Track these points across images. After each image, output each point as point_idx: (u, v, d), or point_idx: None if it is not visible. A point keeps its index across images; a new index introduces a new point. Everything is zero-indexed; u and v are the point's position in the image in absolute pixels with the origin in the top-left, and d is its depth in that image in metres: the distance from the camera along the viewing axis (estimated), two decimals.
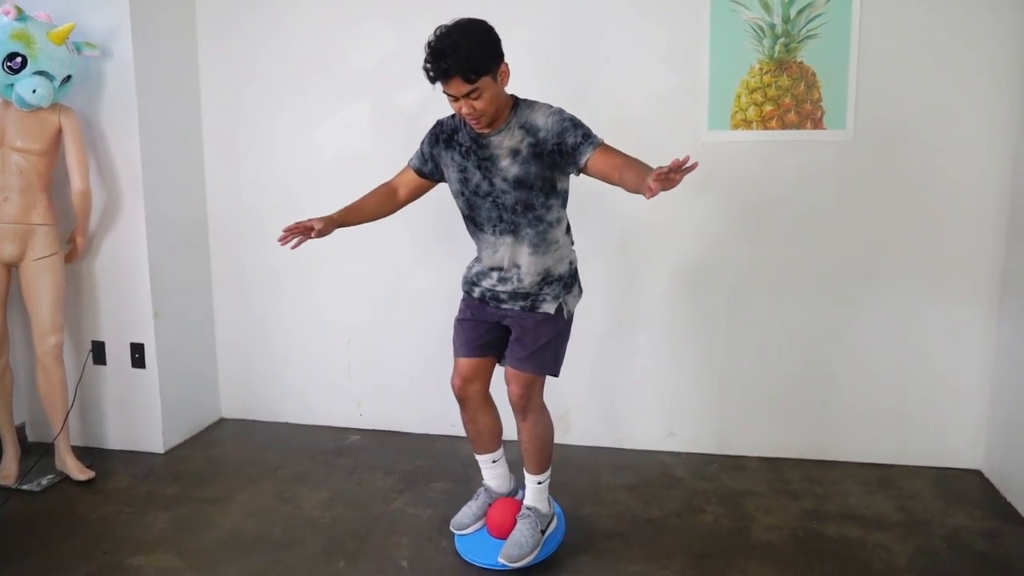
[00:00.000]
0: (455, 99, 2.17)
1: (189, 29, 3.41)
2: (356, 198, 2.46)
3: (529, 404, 2.42)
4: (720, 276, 3.17)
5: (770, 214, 3.09)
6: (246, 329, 3.62)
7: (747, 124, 3.04)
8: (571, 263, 2.45)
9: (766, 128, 3.03)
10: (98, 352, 3.30)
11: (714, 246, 3.15)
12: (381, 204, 2.49)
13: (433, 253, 3.32)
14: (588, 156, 2.19)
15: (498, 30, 2.21)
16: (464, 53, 2.09)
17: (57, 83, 2.86)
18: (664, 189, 1.90)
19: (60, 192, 3.06)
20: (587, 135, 2.22)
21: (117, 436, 3.36)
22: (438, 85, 2.18)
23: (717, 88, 3.03)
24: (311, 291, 3.54)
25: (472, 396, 2.51)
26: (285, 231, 2.27)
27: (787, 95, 2.99)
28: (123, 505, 2.87)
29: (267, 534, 2.67)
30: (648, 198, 1.93)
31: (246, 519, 2.77)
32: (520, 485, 2.65)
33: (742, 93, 3.02)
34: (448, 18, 2.21)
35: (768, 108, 3.01)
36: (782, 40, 2.97)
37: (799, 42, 2.96)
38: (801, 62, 2.97)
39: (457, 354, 2.50)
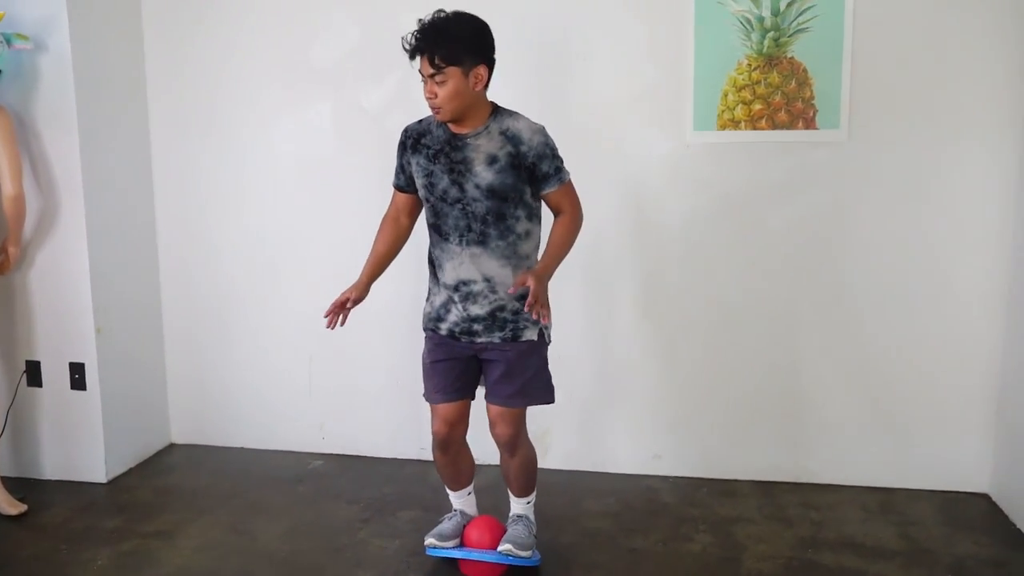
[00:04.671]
0: (423, 79, 2.26)
1: (134, 20, 3.35)
2: (370, 251, 2.52)
3: (519, 440, 2.48)
4: (707, 286, 3.14)
5: (760, 220, 3.07)
6: (198, 346, 3.56)
7: (735, 124, 3.02)
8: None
9: (755, 128, 3.01)
10: (33, 373, 3.23)
11: (700, 255, 3.13)
12: (395, 241, 2.55)
13: (397, 267, 3.27)
14: (551, 191, 2.36)
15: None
16: (442, 37, 2.20)
17: None
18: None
19: None
20: (558, 169, 2.36)
21: (54, 465, 3.29)
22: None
23: (702, 86, 3.01)
24: (269, 306, 3.48)
25: (456, 440, 2.54)
26: (327, 316, 2.41)
27: (777, 93, 2.97)
28: (59, 541, 2.81)
29: (219, 570, 2.62)
30: (510, 291, 2.28)
31: (196, 554, 2.72)
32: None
33: (729, 91, 3.00)
34: (417, 9, 2.25)
35: (757, 107, 2.99)
36: (772, 34, 2.94)
37: (789, 36, 2.94)
38: (792, 58, 2.95)
39: (435, 400, 2.50)
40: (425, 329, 2.51)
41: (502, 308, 2.37)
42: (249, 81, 3.34)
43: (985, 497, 3.05)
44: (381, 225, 2.55)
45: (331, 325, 2.41)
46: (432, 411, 2.50)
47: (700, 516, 2.92)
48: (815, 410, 3.13)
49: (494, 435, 2.46)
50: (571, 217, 2.37)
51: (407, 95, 3.05)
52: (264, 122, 3.36)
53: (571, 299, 3.10)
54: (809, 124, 2.97)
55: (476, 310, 2.37)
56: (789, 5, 2.90)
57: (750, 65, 2.97)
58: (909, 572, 2.56)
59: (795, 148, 3.00)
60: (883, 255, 3.01)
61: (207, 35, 3.34)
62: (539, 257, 2.41)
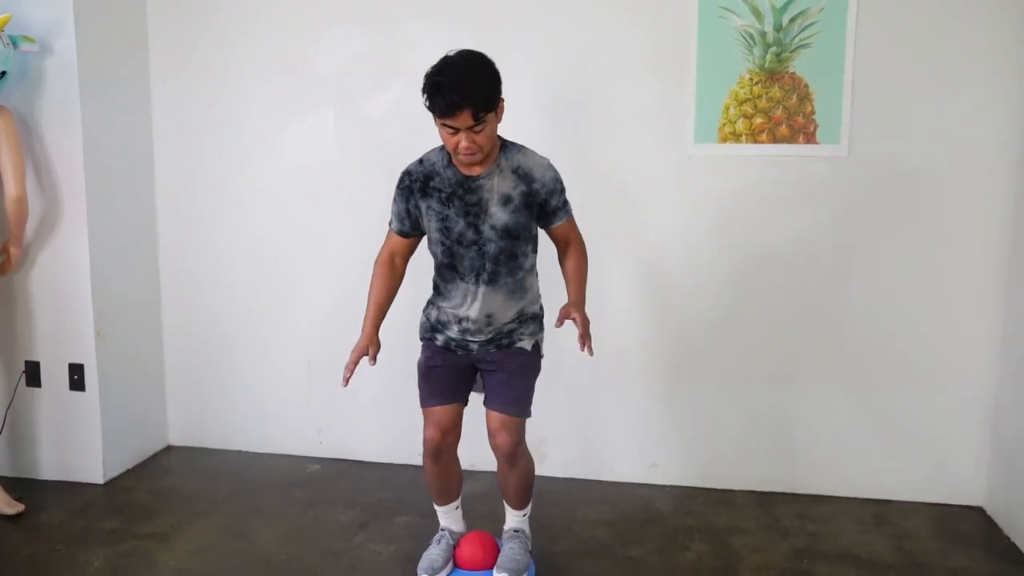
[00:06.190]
0: (454, 131, 2.17)
1: (139, 24, 3.35)
2: (370, 299, 2.45)
3: (519, 450, 2.44)
4: (705, 298, 3.15)
5: (759, 233, 3.08)
6: (197, 349, 3.56)
7: (736, 137, 3.03)
8: (540, 302, 2.52)
9: (756, 142, 3.02)
10: (32, 373, 3.22)
11: (698, 266, 3.13)
12: (392, 286, 2.48)
13: None
14: (558, 224, 2.39)
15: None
16: (478, 88, 2.14)
17: None
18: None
19: None
20: (566, 203, 2.38)
21: (51, 465, 3.27)
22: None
23: (704, 99, 3.02)
24: (268, 309, 3.48)
25: (448, 448, 2.48)
26: (344, 377, 2.38)
27: (778, 107, 2.99)
28: (55, 542, 2.80)
29: (216, 573, 2.61)
30: (557, 326, 2.37)
31: (193, 557, 2.71)
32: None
33: (731, 104, 3.01)
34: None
35: (758, 121, 3.00)
36: (773, 49, 2.96)
37: (791, 51, 2.95)
38: (793, 73, 2.96)
39: (430, 404, 2.45)
40: (422, 338, 2.50)
41: (499, 333, 2.39)
42: (252, 87, 3.34)
43: (979, 511, 3.05)
44: (376, 270, 2.46)
45: (346, 383, 2.36)
46: (426, 417, 2.45)
47: (695, 526, 2.92)
48: (811, 422, 3.14)
49: (494, 445, 2.41)
50: (580, 248, 2.43)
51: (407, 104, 3.04)
52: (266, 127, 3.36)
53: None
54: (810, 139, 2.98)
55: (472, 338, 2.39)
56: (791, 20, 2.92)
57: (752, 79, 2.98)
58: None
59: (795, 162, 3.01)
60: (880, 270, 3.02)
61: (212, 41, 3.34)
62: (537, 282, 2.46)
